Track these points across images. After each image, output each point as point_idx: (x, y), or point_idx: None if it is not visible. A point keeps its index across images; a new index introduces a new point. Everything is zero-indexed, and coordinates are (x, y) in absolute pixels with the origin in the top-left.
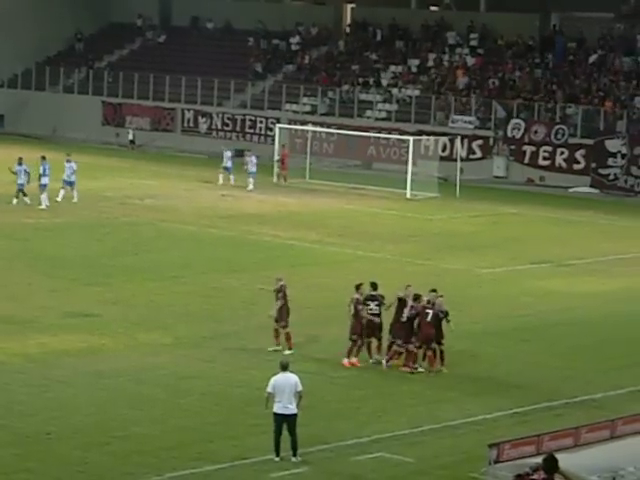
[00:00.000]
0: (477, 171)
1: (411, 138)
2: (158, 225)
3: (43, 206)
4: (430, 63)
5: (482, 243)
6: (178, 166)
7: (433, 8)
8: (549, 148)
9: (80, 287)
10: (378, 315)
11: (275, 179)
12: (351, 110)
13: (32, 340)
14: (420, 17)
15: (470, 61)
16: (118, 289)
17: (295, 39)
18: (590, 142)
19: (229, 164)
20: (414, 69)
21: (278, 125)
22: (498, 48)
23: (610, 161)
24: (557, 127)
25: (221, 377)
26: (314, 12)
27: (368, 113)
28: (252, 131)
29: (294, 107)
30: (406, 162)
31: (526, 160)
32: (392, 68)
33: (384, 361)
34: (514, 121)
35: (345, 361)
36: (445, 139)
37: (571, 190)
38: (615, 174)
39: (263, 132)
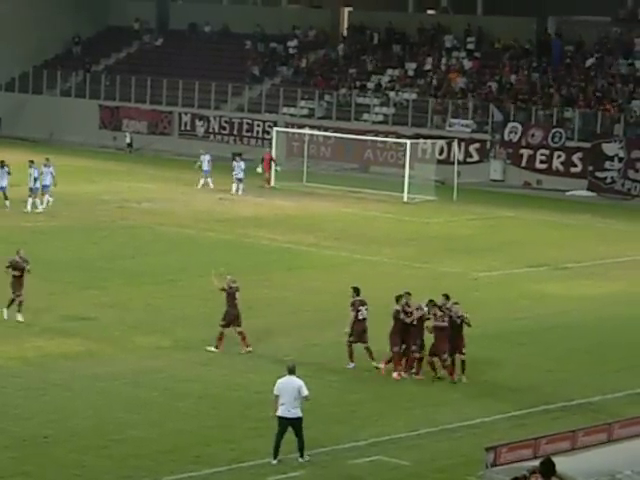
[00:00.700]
0: (474, 174)
1: (408, 141)
2: (155, 228)
3: (40, 209)
4: (427, 66)
5: (479, 246)
6: (175, 169)
7: (430, 12)
8: (546, 151)
9: (77, 290)
10: (366, 319)
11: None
12: (348, 113)
13: (29, 343)
14: (417, 21)
15: (467, 64)
16: (115, 292)
17: (292, 43)
18: (587, 145)
19: (207, 167)
20: (411, 72)
21: (275, 128)
22: (495, 51)
23: (607, 164)
24: (554, 130)
25: (218, 380)
26: (311, 16)
27: (365, 116)
28: (249, 134)
29: (291, 110)
30: (403, 165)
31: (523, 163)
32: (389, 71)
33: (415, 375)
34: (511, 124)
35: (395, 375)
36: (442, 142)
37: (568, 193)
38: (612, 177)
39: (260, 135)
